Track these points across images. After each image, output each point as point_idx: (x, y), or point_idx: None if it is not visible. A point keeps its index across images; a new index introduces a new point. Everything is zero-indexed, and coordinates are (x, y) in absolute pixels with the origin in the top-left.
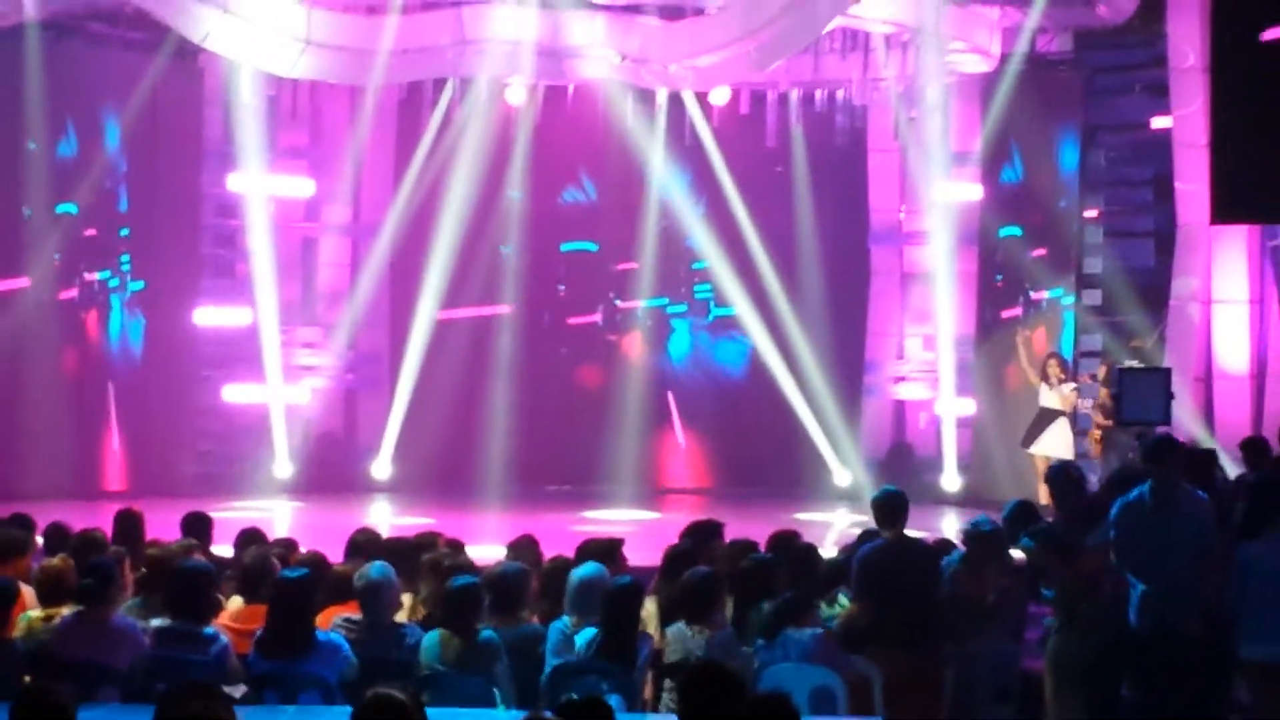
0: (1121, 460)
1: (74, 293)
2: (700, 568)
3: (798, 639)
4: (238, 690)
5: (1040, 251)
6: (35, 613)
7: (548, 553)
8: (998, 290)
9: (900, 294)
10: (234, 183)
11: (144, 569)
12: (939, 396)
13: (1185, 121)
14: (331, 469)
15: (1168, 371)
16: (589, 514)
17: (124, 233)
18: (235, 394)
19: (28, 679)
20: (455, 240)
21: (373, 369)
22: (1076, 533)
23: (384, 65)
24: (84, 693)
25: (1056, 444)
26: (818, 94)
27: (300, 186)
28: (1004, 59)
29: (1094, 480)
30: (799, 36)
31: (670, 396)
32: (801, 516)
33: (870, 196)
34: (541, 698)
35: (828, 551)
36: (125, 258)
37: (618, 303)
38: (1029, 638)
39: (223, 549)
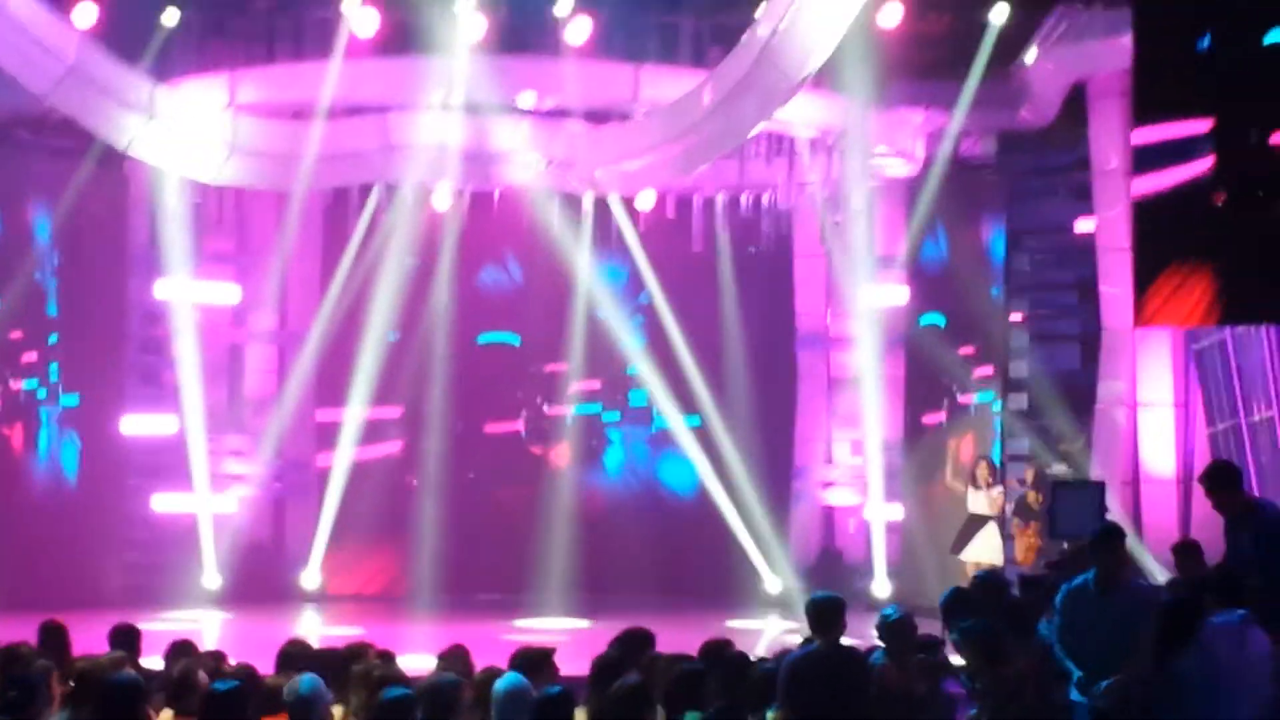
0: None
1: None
2: (629, 677)
3: None
4: None
5: (968, 351)
6: None
7: (480, 662)
8: (924, 395)
9: (827, 398)
10: (160, 289)
11: (72, 682)
12: (868, 501)
13: (1109, 224)
14: (260, 579)
15: (1101, 486)
16: (520, 623)
17: (53, 340)
18: (163, 503)
19: None
20: (381, 344)
21: (300, 476)
22: (1004, 635)
23: (310, 171)
24: None
25: (985, 549)
26: (743, 198)
27: (226, 293)
28: (928, 162)
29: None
30: (724, 141)
31: (601, 505)
32: (733, 624)
33: (796, 300)
34: None
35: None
36: (54, 366)
37: (545, 408)
38: None
39: (152, 660)
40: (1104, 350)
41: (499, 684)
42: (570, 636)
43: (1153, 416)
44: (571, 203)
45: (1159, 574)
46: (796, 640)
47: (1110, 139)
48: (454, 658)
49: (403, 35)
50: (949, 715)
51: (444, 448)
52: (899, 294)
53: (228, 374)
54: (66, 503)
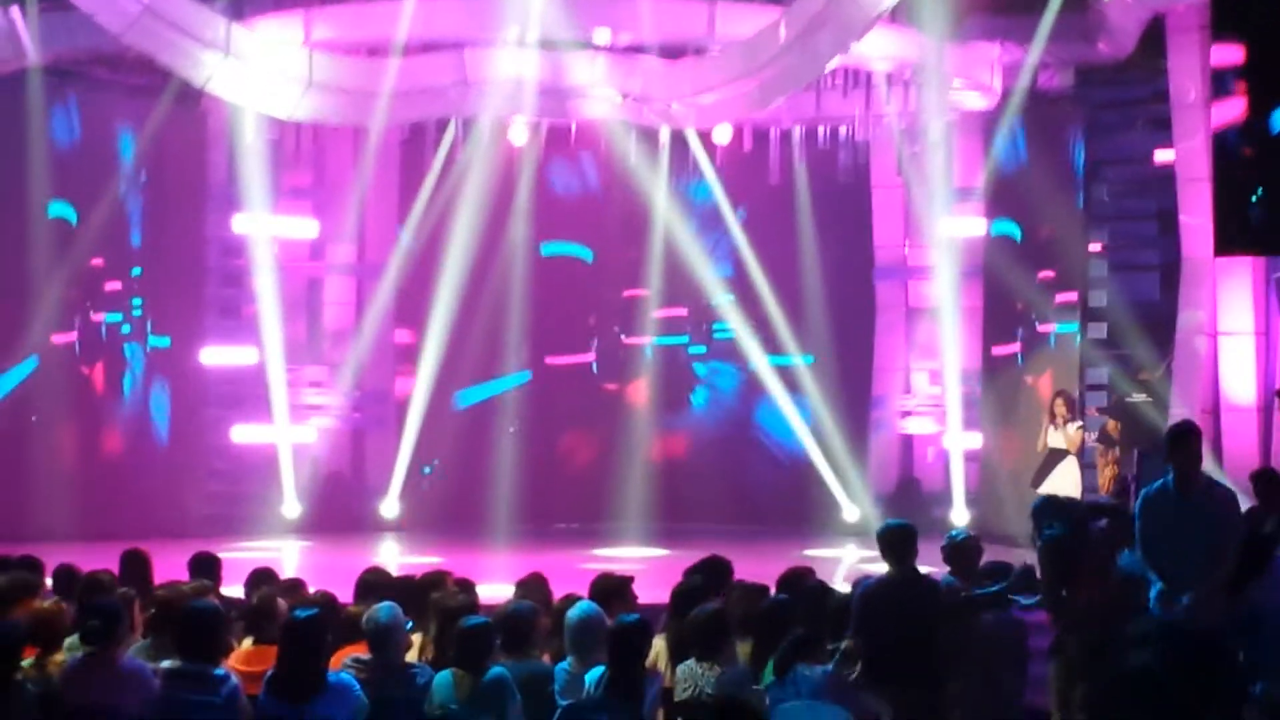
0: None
1: (82, 334)
2: (708, 604)
3: (808, 676)
4: None
5: (1047, 275)
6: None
7: (557, 591)
8: (1003, 324)
9: (906, 329)
10: (239, 224)
11: (153, 610)
12: (946, 430)
13: (1188, 155)
14: (339, 508)
15: None
16: (598, 551)
17: (136, 272)
18: (243, 434)
19: None
20: (460, 279)
21: (379, 408)
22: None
23: (386, 107)
24: None
25: (1064, 483)
26: (820, 131)
27: (305, 227)
28: (1005, 95)
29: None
30: (800, 75)
31: (681, 438)
32: (810, 553)
33: (875, 232)
34: None
35: (839, 587)
36: (137, 301)
37: (623, 338)
38: (1034, 673)
39: (232, 589)
40: (1184, 279)
41: (572, 612)
42: (648, 565)
43: (1233, 345)
44: (648, 136)
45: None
46: (874, 569)
47: (1189, 71)
48: (532, 586)
49: None
50: (1016, 637)
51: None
52: (976, 224)
53: (306, 306)
54: (148, 434)
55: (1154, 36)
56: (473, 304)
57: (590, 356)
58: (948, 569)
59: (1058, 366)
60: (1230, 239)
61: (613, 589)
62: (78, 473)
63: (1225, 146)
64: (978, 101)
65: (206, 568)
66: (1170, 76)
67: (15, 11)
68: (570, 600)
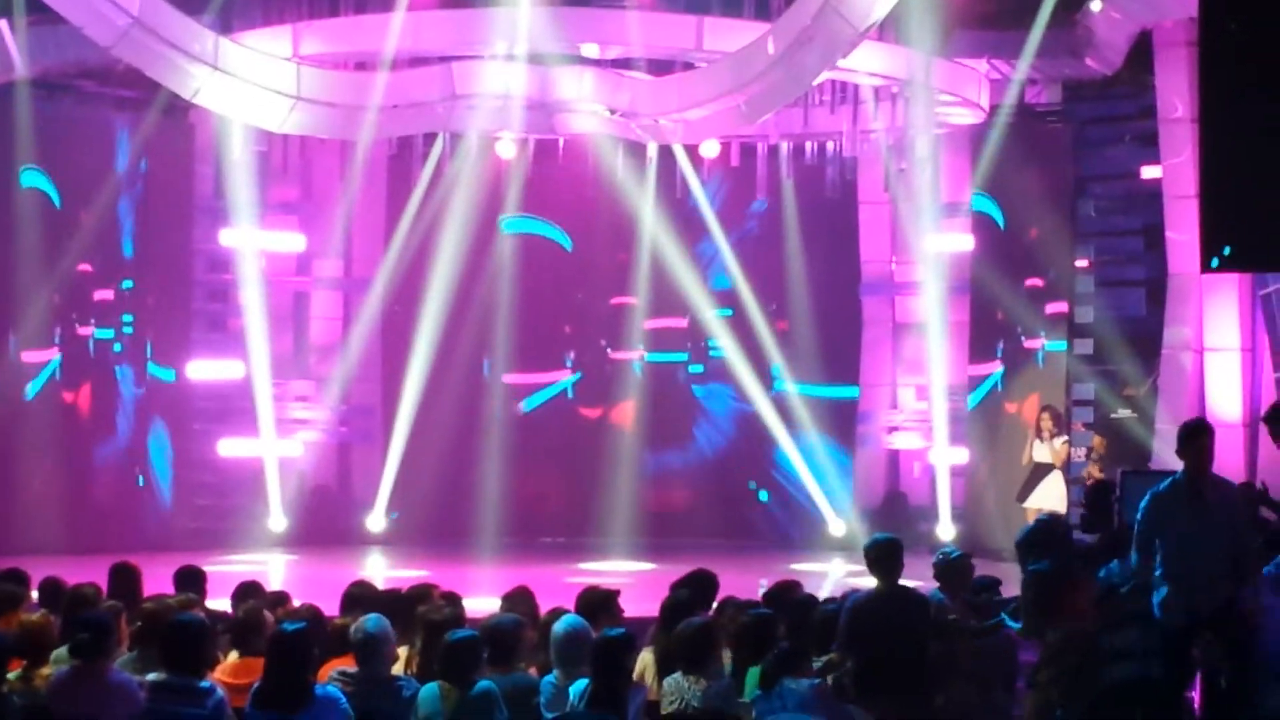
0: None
1: (68, 347)
2: (695, 618)
3: (795, 689)
4: None
5: (1035, 283)
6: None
7: (543, 604)
8: (988, 340)
9: (893, 344)
10: (226, 238)
11: (140, 623)
12: (933, 446)
13: (1175, 171)
14: (325, 522)
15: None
16: (584, 565)
17: (127, 285)
18: (229, 448)
19: None
20: (447, 292)
21: (366, 422)
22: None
23: (374, 120)
24: None
25: (1050, 497)
26: (808, 146)
27: (291, 241)
28: (993, 110)
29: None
30: (788, 90)
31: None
32: (797, 567)
33: (861, 247)
34: None
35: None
36: (128, 317)
37: (609, 352)
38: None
39: (218, 602)
40: (1170, 295)
41: (558, 625)
42: (634, 579)
43: (1219, 361)
44: (636, 151)
45: None
46: (860, 583)
47: (1176, 87)
48: (518, 599)
49: None
50: (1007, 654)
51: (514, 391)
52: (963, 241)
53: (293, 320)
54: (134, 450)
55: (1142, 52)
56: (460, 317)
57: (566, 373)
58: (937, 585)
59: (1044, 383)
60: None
61: (599, 602)
62: (64, 487)
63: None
64: (965, 117)
65: (192, 581)
66: (1158, 93)
67: (3, 25)
68: (556, 614)
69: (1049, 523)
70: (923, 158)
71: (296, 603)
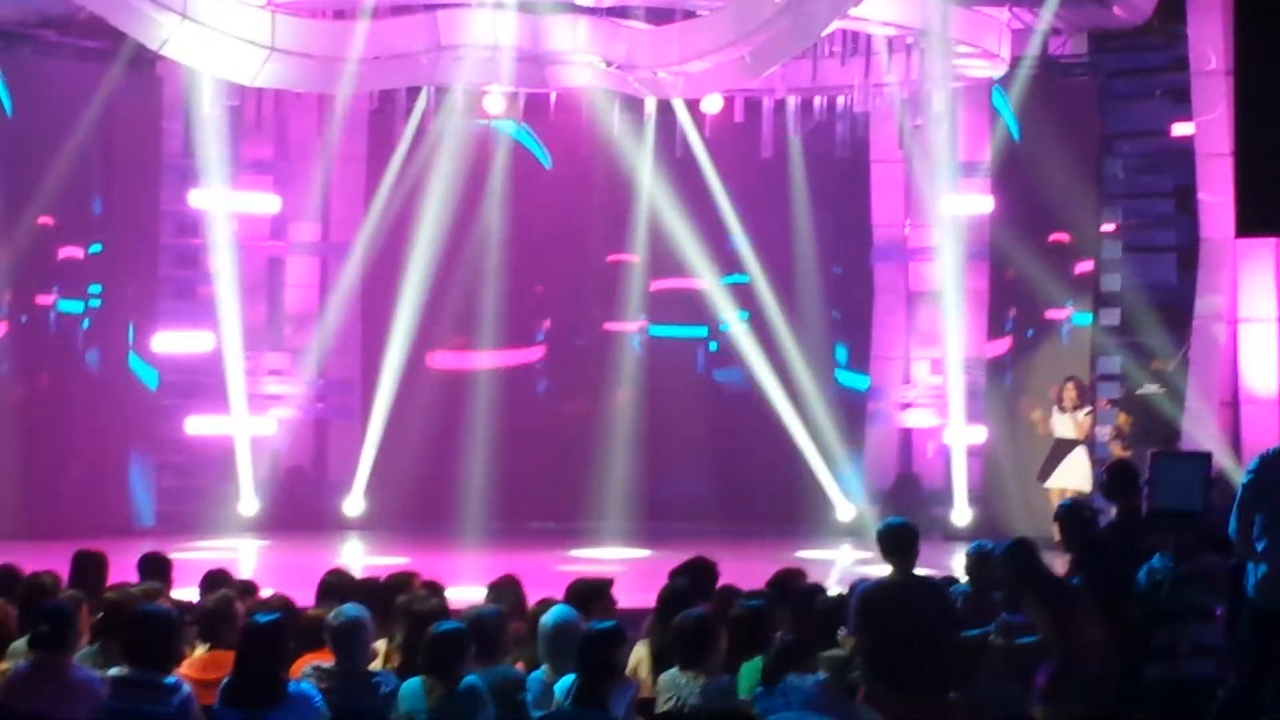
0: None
1: (35, 314)
2: (693, 609)
3: (799, 686)
4: None
5: (1060, 238)
6: None
7: (532, 594)
8: (1009, 310)
9: (906, 314)
10: (195, 199)
11: (101, 614)
12: (948, 424)
13: (1208, 128)
14: (300, 505)
15: (1207, 456)
16: (576, 552)
17: (95, 249)
18: (197, 425)
19: None
20: (431, 259)
21: (344, 398)
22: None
23: (354, 73)
24: None
25: (1074, 476)
26: (816, 101)
27: (265, 203)
28: (1015, 63)
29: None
30: (796, 40)
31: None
32: (803, 554)
33: (873, 210)
34: None
35: (832, 590)
36: (96, 288)
37: (606, 325)
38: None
39: (184, 592)
40: (1203, 262)
41: (546, 617)
42: (629, 567)
43: (1254, 333)
44: (633, 107)
45: None
46: (869, 571)
47: (1210, 38)
48: (505, 589)
49: None
50: (1027, 650)
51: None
52: (982, 202)
53: (267, 288)
54: (96, 425)
55: (1173, 1)
56: (445, 285)
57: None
58: (965, 579)
59: (1069, 355)
60: (1253, 218)
61: (591, 593)
62: (20, 468)
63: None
64: (985, 70)
65: (157, 568)
66: (1190, 43)
67: None
68: (545, 605)
69: (1073, 509)
70: (939, 113)
71: (266, 593)
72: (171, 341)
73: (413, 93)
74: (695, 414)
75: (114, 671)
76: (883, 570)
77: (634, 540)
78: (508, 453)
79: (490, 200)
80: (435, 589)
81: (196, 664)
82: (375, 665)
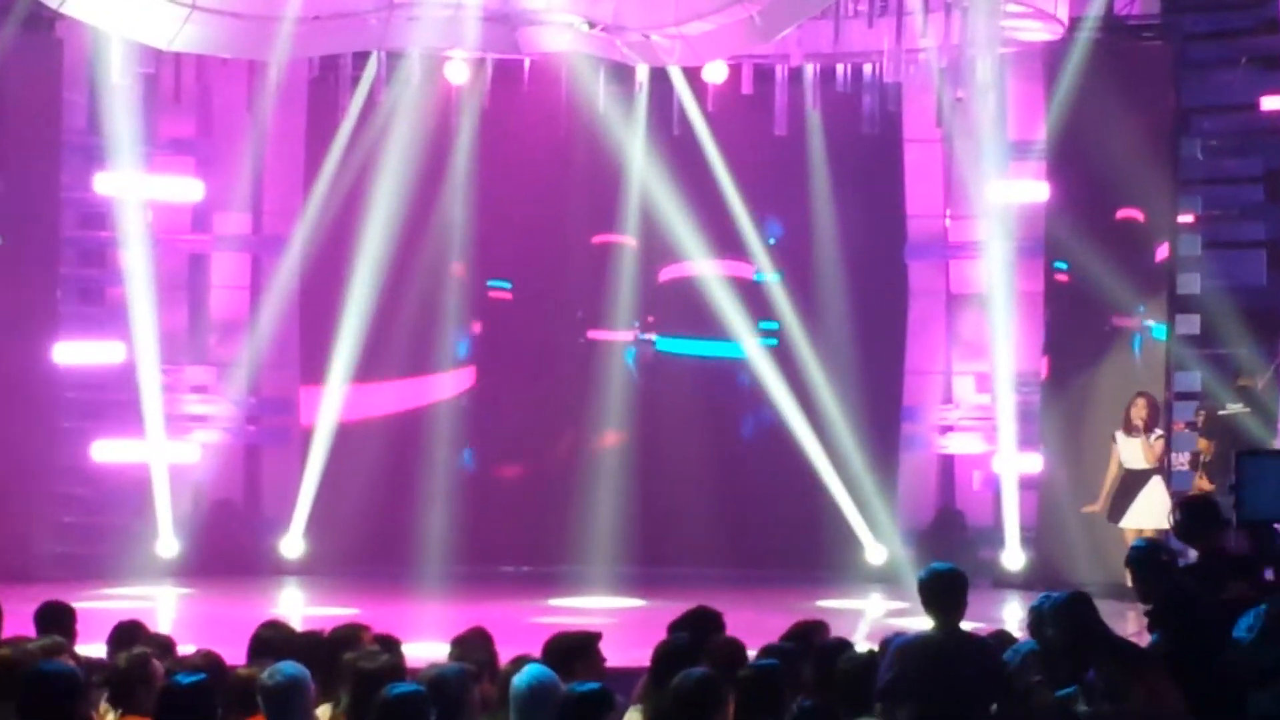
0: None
1: None
2: (696, 669)
3: None
4: None
5: (1124, 265)
6: None
7: (504, 651)
8: (1071, 317)
9: (947, 321)
10: (102, 185)
11: None
12: (997, 451)
13: None
14: (229, 546)
15: None
16: (555, 601)
17: None
18: (106, 452)
19: None
20: (383, 255)
21: (280, 420)
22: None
23: (289, 35)
24: None
25: (1150, 513)
26: (839, 69)
27: (186, 189)
28: (1074, 25)
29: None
30: None
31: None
32: (825, 603)
33: (907, 199)
34: None
35: (860, 646)
36: None
37: (589, 334)
38: None
39: (90, 648)
40: None
41: (519, 679)
42: (619, 619)
43: None
44: (622, 77)
45: None
46: (904, 624)
47: None
48: (472, 645)
49: None
50: None
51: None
52: (1036, 189)
53: (188, 290)
54: None
55: None
56: (399, 286)
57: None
58: (1026, 635)
59: (1141, 371)
60: None
61: (573, 649)
62: None
63: None
64: (1039, 33)
65: (58, 620)
66: None
67: None
68: (519, 663)
69: (1148, 552)
70: (985, 84)
71: (189, 649)
72: (75, 352)
73: (360, 59)
74: (698, 438)
75: None
76: (922, 624)
77: (624, 587)
78: (473, 485)
79: (452, 186)
80: (389, 644)
81: None
82: None
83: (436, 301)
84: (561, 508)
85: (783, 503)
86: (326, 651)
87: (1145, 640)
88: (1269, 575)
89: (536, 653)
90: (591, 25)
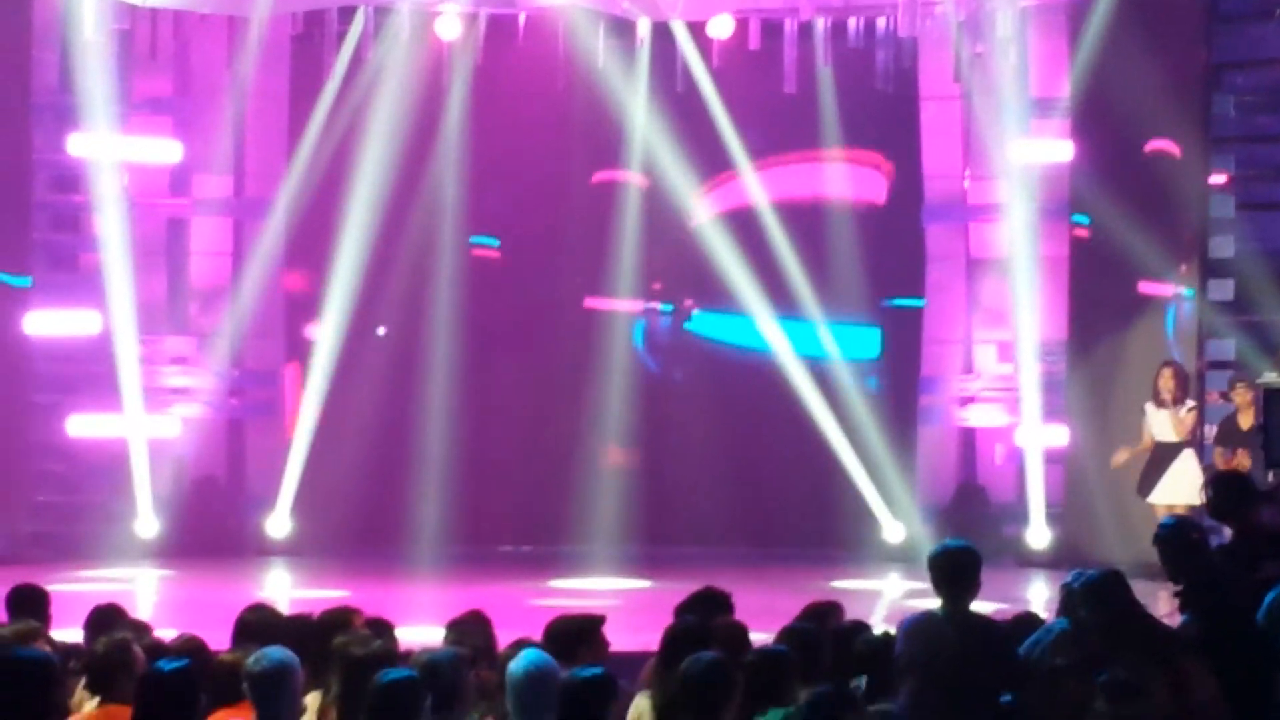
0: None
1: None
2: (705, 653)
3: None
4: None
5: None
6: None
7: (502, 635)
8: (1098, 281)
9: (967, 287)
10: (75, 146)
11: None
12: (1020, 423)
13: None
14: (212, 525)
15: None
16: (557, 583)
17: None
18: (82, 426)
19: None
20: (371, 220)
21: (265, 392)
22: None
23: None
24: None
25: (1181, 488)
26: (852, 23)
27: (164, 150)
28: None
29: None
30: None
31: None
32: (840, 584)
33: (924, 159)
34: None
35: (878, 629)
36: None
37: (588, 301)
38: None
39: (66, 632)
40: None
41: (515, 664)
42: (624, 600)
43: None
44: (622, 31)
45: None
46: (924, 605)
47: None
48: (469, 629)
49: None
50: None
51: (468, 350)
52: (1061, 149)
53: (166, 256)
54: None
55: None
56: (389, 252)
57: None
58: (1051, 616)
59: (1173, 339)
60: None
61: (576, 632)
62: None
63: None
64: None
65: (32, 604)
66: None
67: None
68: (518, 647)
69: (1178, 530)
70: (1006, 37)
71: (169, 633)
72: (48, 323)
73: (346, 13)
74: (705, 409)
75: None
76: (935, 604)
77: (629, 568)
78: (470, 460)
79: (444, 146)
80: (381, 628)
81: None
82: None
83: (428, 267)
84: (563, 484)
85: (795, 478)
86: (315, 636)
87: (1176, 621)
88: None
89: (537, 637)
90: None
